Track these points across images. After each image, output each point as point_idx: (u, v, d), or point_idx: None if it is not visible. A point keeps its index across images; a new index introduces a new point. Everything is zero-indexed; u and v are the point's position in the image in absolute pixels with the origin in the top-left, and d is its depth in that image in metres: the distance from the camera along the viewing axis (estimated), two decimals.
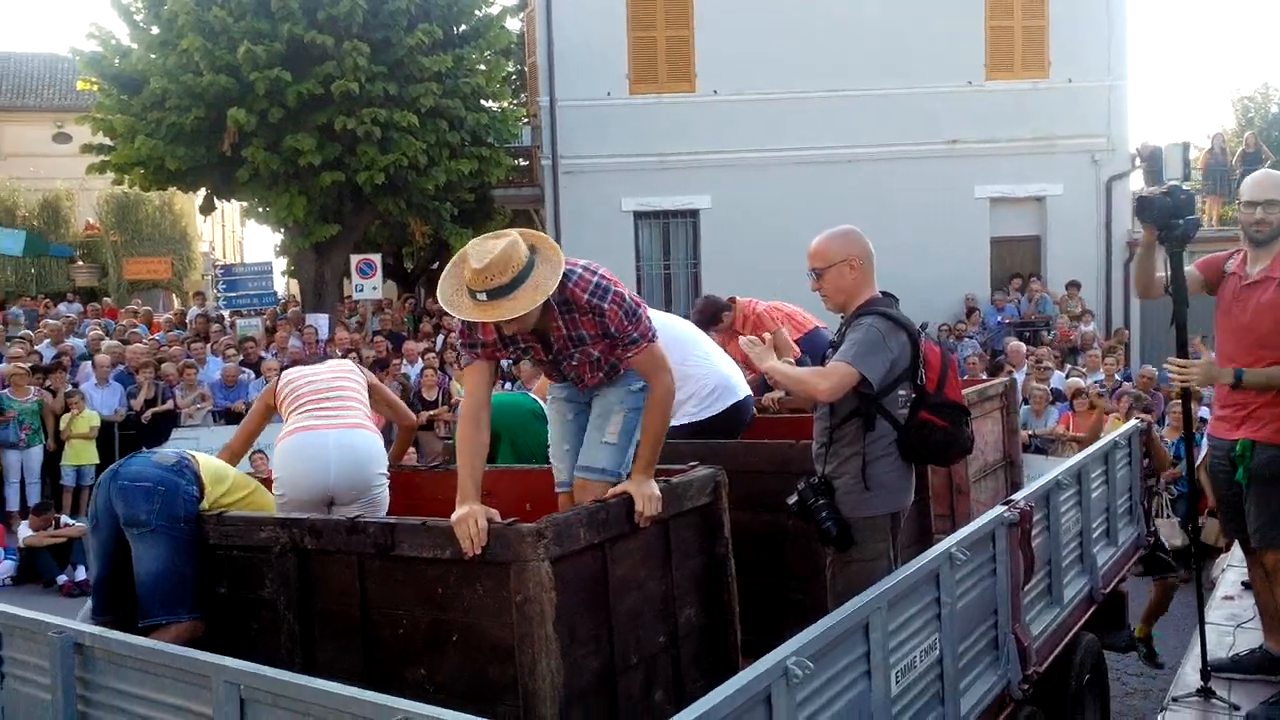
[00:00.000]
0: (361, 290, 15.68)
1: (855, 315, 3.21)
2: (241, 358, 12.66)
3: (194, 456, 3.46)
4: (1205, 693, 3.97)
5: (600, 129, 16.09)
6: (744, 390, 4.57)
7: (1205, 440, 4.43)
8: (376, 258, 15.96)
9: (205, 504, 3.37)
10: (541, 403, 4.38)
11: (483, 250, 2.84)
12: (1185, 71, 73.66)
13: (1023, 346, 12.92)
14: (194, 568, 3.27)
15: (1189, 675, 4.12)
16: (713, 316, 5.72)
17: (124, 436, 11.16)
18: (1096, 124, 16.62)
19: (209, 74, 13.15)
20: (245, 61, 13.01)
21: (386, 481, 3.68)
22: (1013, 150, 16.41)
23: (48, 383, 11.10)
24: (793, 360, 5.04)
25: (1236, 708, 3.89)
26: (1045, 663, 3.81)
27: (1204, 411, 6.93)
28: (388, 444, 4.26)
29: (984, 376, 9.64)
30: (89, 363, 12.18)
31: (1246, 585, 4.74)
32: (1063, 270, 16.41)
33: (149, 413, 11.46)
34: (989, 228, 16.79)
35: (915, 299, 13.38)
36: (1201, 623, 4.10)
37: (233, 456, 3.80)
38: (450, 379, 11.99)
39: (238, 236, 36.83)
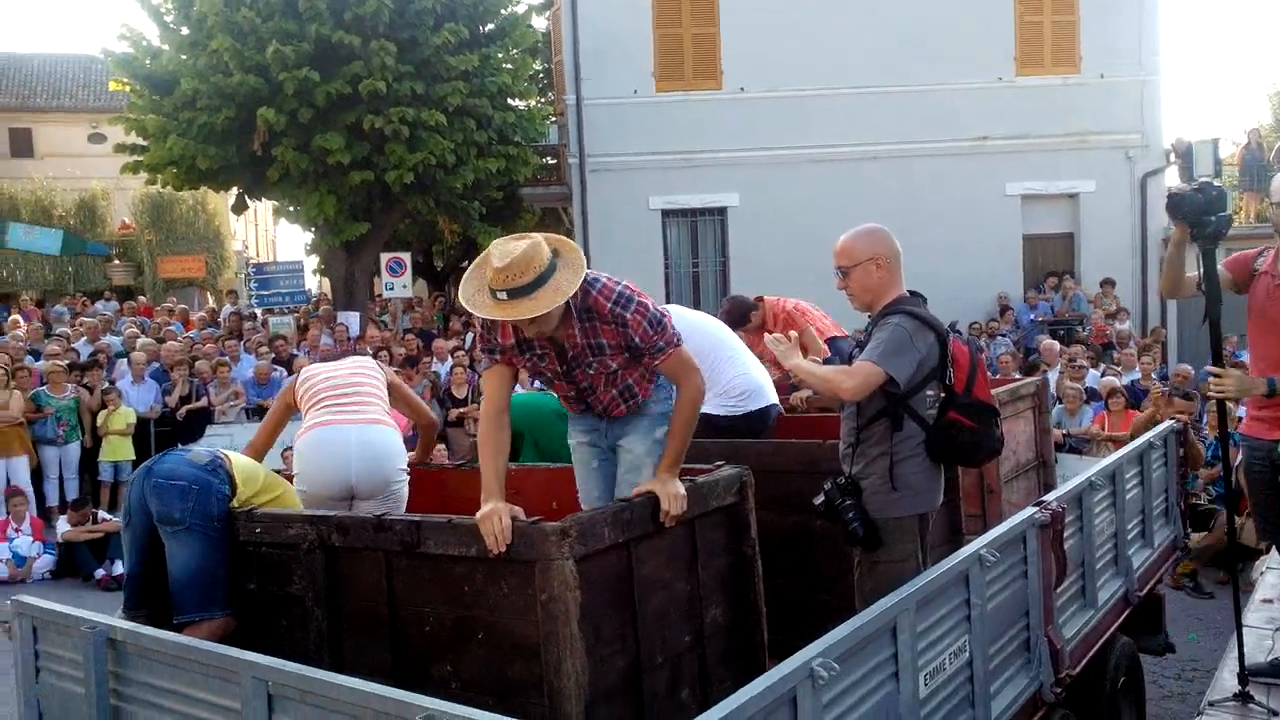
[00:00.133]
0: (392, 288, 15.79)
1: (882, 314, 3.17)
2: (273, 355, 12.79)
3: (227, 455, 3.49)
4: (1243, 697, 3.91)
5: (627, 127, 16.09)
6: (772, 397, 4.56)
7: (1240, 440, 4.35)
8: (406, 256, 16.07)
9: (236, 503, 3.39)
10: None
11: (505, 250, 2.85)
12: (1221, 66, 72.52)
13: (1056, 345, 12.75)
14: (226, 565, 3.30)
15: (1226, 679, 4.05)
16: (741, 317, 5.70)
17: (159, 433, 11.31)
18: (1129, 120, 16.40)
19: (239, 74, 13.28)
20: (274, 62, 13.13)
21: (407, 477, 3.69)
22: (1044, 147, 16.23)
23: (85, 380, 11.27)
24: (819, 359, 5.00)
25: (1275, 713, 3.83)
26: (1079, 666, 3.77)
27: (1241, 410, 6.82)
28: (413, 445, 4.29)
29: (1017, 375, 9.52)
30: (125, 360, 12.35)
31: None
32: (1097, 268, 16.21)
33: (183, 409, 11.61)
34: (1021, 225, 16.62)
35: (947, 297, 13.42)
36: (1239, 626, 4.03)
37: (256, 454, 3.82)
38: (480, 376, 12.04)
39: (271, 235, 37.23)
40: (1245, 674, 3.96)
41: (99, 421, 10.94)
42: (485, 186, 15.45)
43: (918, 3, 15.77)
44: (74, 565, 9.47)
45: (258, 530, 3.28)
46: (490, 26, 15.51)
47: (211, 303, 22.48)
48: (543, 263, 2.84)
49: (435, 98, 14.01)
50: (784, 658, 2.34)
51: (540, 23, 18.05)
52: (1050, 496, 3.76)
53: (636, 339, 2.99)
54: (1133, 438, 6.05)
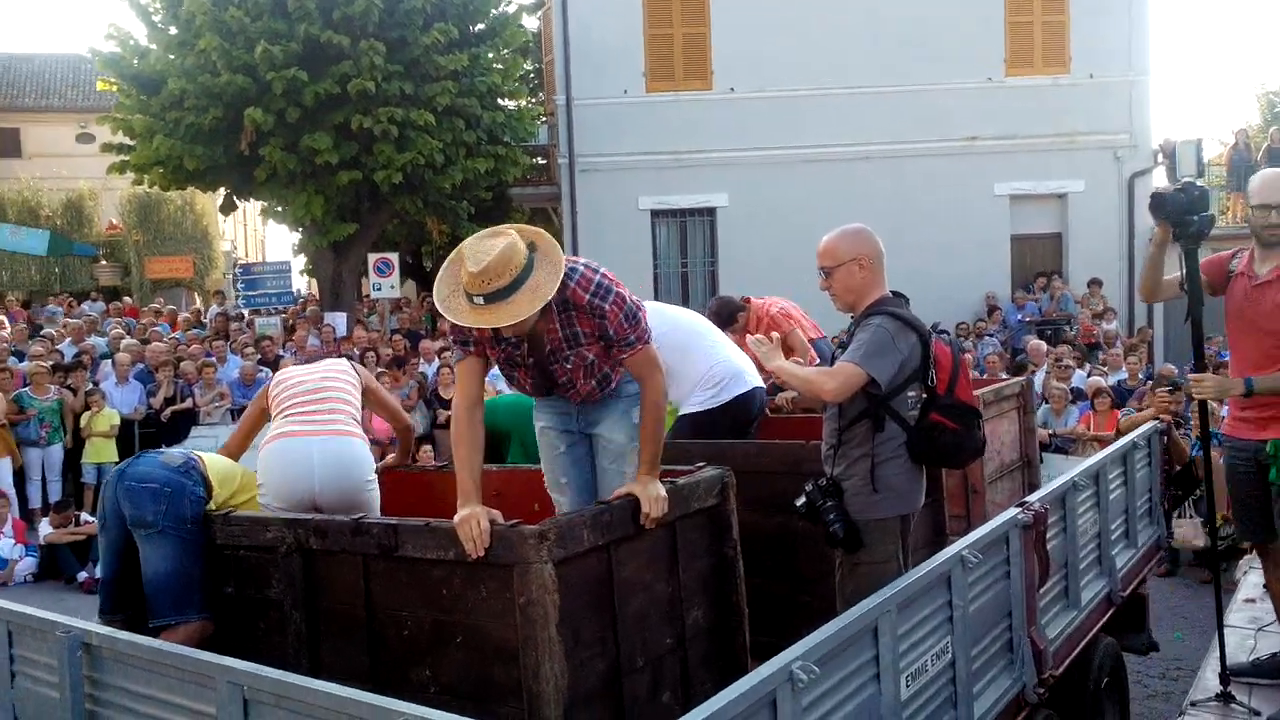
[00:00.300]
0: (379, 289, 15.75)
1: (864, 315, 3.16)
2: (259, 356, 12.73)
3: (201, 457, 3.46)
4: (1225, 697, 3.92)
5: (617, 127, 16.08)
6: (754, 380, 4.49)
7: (1224, 440, 4.35)
8: (394, 256, 16.03)
9: (213, 505, 3.36)
10: None
11: (480, 251, 2.76)
12: (1209, 67, 72.90)
13: (1043, 345, 12.79)
14: (201, 568, 3.27)
15: (1208, 679, 4.06)
16: (728, 317, 5.68)
17: (144, 435, 11.25)
18: (1118, 120, 16.45)
19: (226, 74, 13.23)
20: (262, 61, 13.08)
21: (375, 487, 3.63)
22: (1033, 147, 16.28)
23: (68, 381, 11.20)
24: (803, 361, 4.99)
25: (1257, 713, 3.83)
26: (1062, 666, 3.76)
27: (1226, 410, 6.83)
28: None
29: (1005, 376, 9.55)
30: (109, 361, 12.29)
31: (1269, 588, 4.66)
32: (1085, 268, 16.26)
33: (168, 411, 11.55)
34: (1009, 225, 16.66)
35: (936, 297, 13.45)
36: (1220, 626, 4.03)
37: (231, 457, 3.77)
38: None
39: (260, 235, 37.09)
40: (1227, 674, 3.96)
41: (82, 423, 10.87)
42: (474, 186, 15.43)
43: (907, 3, 15.80)
44: (56, 568, 9.41)
45: (235, 533, 3.26)
46: (480, 26, 15.50)
47: (199, 303, 22.37)
48: (520, 262, 2.76)
49: (424, 97, 13.98)
50: (767, 659, 2.32)
51: (531, 22, 18.04)
52: (1033, 497, 3.75)
53: (611, 330, 2.94)
54: (1120, 435, 6.06)
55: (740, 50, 15.99)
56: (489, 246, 2.76)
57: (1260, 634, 4.43)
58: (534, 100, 18.53)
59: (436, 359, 12.62)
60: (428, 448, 10.55)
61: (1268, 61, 70.68)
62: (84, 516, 9.83)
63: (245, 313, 15.96)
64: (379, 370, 11.83)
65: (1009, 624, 3.46)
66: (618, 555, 2.81)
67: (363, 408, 3.82)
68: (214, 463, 3.48)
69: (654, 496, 2.86)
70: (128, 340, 13.20)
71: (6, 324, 14.60)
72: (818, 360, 5.47)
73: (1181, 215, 3.85)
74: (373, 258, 15.66)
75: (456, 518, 2.65)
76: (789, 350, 5.52)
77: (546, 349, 3.02)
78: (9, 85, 29.83)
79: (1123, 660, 4.82)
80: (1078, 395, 10.84)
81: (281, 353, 13.21)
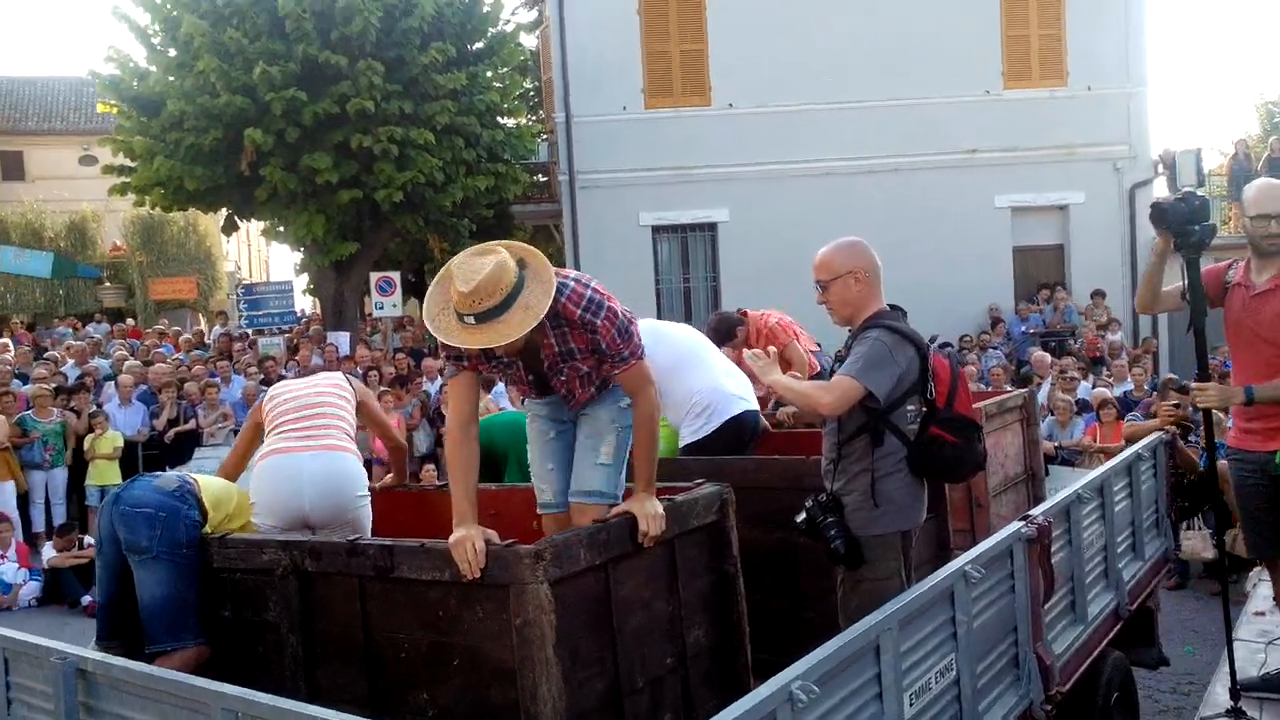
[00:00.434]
0: (381, 308, 15.76)
1: (861, 328, 3.14)
2: (263, 376, 12.73)
3: (196, 480, 3.43)
4: (1235, 713, 3.87)
5: (617, 144, 16.11)
6: (739, 406, 4.44)
7: (1228, 453, 4.31)
8: (396, 275, 16.05)
9: (209, 528, 3.34)
10: None
11: (469, 271, 2.71)
12: (1208, 77, 73.04)
13: (1047, 357, 12.75)
14: (197, 593, 3.24)
15: (1219, 694, 4.01)
16: (728, 332, 5.66)
17: (147, 456, 11.24)
18: (1117, 131, 16.46)
19: (226, 95, 13.28)
20: (261, 82, 13.13)
21: (367, 503, 3.60)
22: (1033, 159, 16.28)
23: (72, 403, 11.20)
24: (801, 375, 4.95)
25: None
26: (1069, 682, 3.70)
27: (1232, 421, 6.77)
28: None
29: (1009, 387, 9.51)
30: (112, 383, 12.29)
31: (1279, 601, 4.61)
32: (1087, 279, 16.23)
33: (172, 432, 11.55)
34: (1011, 237, 16.64)
35: (939, 309, 13.40)
36: (1230, 641, 3.99)
37: (229, 477, 3.75)
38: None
39: (264, 255, 37.19)
40: (1238, 689, 3.91)
41: (86, 445, 10.86)
42: (475, 204, 15.46)
43: (905, 18, 15.84)
44: (60, 592, 9.37)
45: (231, 556, 3.23)
46: (478, 45, 15.55)
47: (203, 324, 22.41)
48: (510, 281, 2.72)
49: (423, 116, 14.01)
50: (769, 677, 2.29)
51: (529, 40, 18.11)
52: (1037, 510, 3.71)
53: (604, 345, 2.91)
54: (1127, 444, 6.01)
55: (738, 66, 16.03)
56: (479, 265, 2.72)
57: (1270, 648, 4.38)
58: (534, 118, 18.58)
59: (440, 377, 12.60)
60: (430, 467, 10.53)
61: (1266, 72, 70.85)
62: (88, 540, 9.81)
63: (249, 333, 15.97)
64: (382, 389, 11.82)
65: (1014, 640, 3.41)
66: (616, 574, 2.78)
67: (359, 424, 3.79)
68: (209, 485, 3.45)
69: (651, 514, 2.83)
70: (130, 362, 13.21)
71: (11, 346, 14.63)
72: (818, 371, 5.44)
73: (1183, 225, 3.83)
74: (375, 276, 15.68)
75: (451, 538, 2.62)
76: (787, 364, 5.51)
77: (544, 364, 3.00)
78: (12, 108, 30.03)
79: (1132, 675, 4.75)
80: (1083, 407, 10.78)
81: (284, 373, 13.20)
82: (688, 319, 15.57)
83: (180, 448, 11.32)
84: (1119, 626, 4.38)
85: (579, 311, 2.86)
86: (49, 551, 9.62)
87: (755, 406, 4.58)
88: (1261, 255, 3.90)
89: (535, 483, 3.33)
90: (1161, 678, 6.02)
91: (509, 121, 16.55)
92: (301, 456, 3.45)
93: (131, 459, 11.08)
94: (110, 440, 10.91)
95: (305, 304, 20.88)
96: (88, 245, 24.73)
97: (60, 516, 10.50)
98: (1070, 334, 14.98)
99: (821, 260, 3.22)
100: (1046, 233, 16.84)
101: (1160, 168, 16.57)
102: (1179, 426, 5.65)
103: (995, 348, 14.45)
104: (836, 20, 15.91)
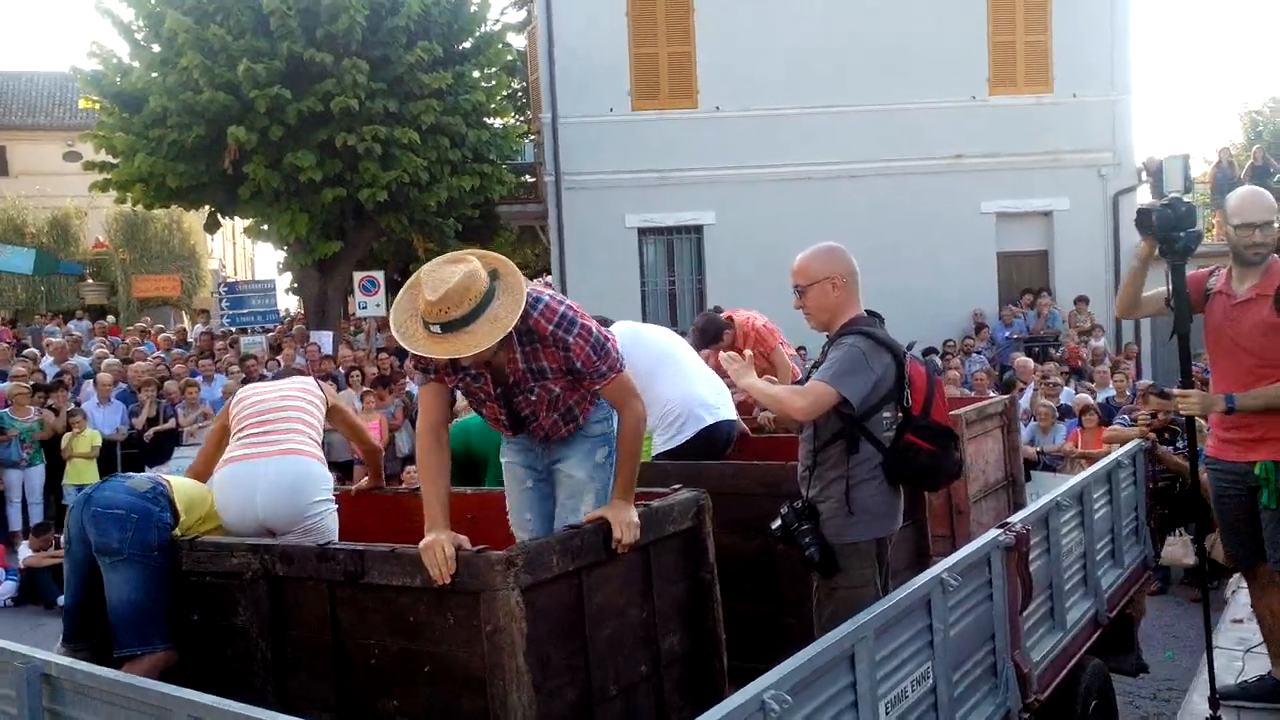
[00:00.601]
0: (365, 307, 15.67)
1: (838, 334, 3.11)
2: (244, 375, 12.62)
3: (169, 481, 3.38)
4: None
5: (603, 145, 16.08)
6: (714, 415, 4.39)
7: (1207, 462, 4.31)
8: (380, 275, 15.96)
9: (179, 530, 3.28)
10: None
11: (438, 279, 2.66)
12: (1193, 85, 73.61)
13: (1030, 362, 12.78)
14: (167, 596, 3.19)
15: (1196, 703, 4.01)
16: (715, 335, 5.62)
17: (126, 455, 11.13)
18: (1102, 138, 16.55)
19: (209, 91, 13.18)
20: (245, 79, 13.04)
21: (329, 507, 3.54)
22: (1018, 165, 16.34)
23: (50, 401, 11.08)
24: (783, 380, 4.93)
25: None
26: (1048, 690, 3.69)
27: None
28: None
29: (992, 393, 9.51)
30: (91, 381, 12.17)
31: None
32: (1071, 285, 16.30)
33: (151, 431, 11.43)
34: (995, 243, 16.70)
35: (924, 314, 13.38)
36: (1209, 649, 3.98)
37: (197, 478, 3.70)
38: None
39: (249, 254, 36.96)
40: (1216, 698, 3.91)
41: (63, 444, 10.74)
42: (459, 204, 15.39)
43: (892, 23, 15.87)
44: (36, 592, 9.27)
45: (201, 559, 3.18)
46: (465, 45, 15.49)
47: (186, 322, 22.25)
48: (480, 291, 2.67)
49: (408, 115, 13.95)
50: (746, 685, 2.26)
51: (516, 41, 18.06)
52: (1015, 518, 3.69)
53: (578, 363, 2.86)
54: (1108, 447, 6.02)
55: (725, 69, 16.03)
56: (448, 273, 2.67)
57: (1248, 655, 4.38)
58: (520, 118, 18.52)
59: None
60: (412, 468, 10.45)
61: (1250, 81, 71.43)
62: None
63: (231, 331, 15.85)
64: (364, 390, 11.75)
65: (992, 648, 3.39)
66: (589, 581, 2.74)
67: (329, 428, 3.74)
68: (181, 486, 3.40)
69: (626, 522, 2.79)
70: (109, 360, 13.09)
71: None
72: (800, 376, 5.41)
73: (1168, 231, 3.82)
74: (358, 276, 15.59)
75: (422, 543, 2.58)
76: (771, 368, 5.49)
77: (510, 380, 2.94)
78: None
79: (1110, 682, 4.75)
80: (1065, 413, 10.81)
81: (265, 372, 13.10)
82: (673, 321, 15.55)
83: (160, 447, 11.22)
84: (1098, 634, 4.38)
85: (550, 328, 2.81)
86: (25, 551, 9.51)
87: (731, 415, 4.52)
88: (1243, 264, 3.89)
89: (514, 529, 3.29)
90: (1142, 684, 6.03)
91: (495, 122, 16.49)
92: (257, 463, 3.40)
93: (110, 458, 10.97)
94: (88, 439, 10.80)
95: (289, 303, 20.76)
96: (71, 241, 24.52)
97: (37, 516, 10.39)
98: (1054, 339, 15.03)
99: (799, 265, 3.20)
100: (1031, 238, 16.91)
101: (1144, 175, 16.66)
102: (1166, 431, 5.65)
103: (979, 352, 14.48)
104: (824, 26, 15.92)
